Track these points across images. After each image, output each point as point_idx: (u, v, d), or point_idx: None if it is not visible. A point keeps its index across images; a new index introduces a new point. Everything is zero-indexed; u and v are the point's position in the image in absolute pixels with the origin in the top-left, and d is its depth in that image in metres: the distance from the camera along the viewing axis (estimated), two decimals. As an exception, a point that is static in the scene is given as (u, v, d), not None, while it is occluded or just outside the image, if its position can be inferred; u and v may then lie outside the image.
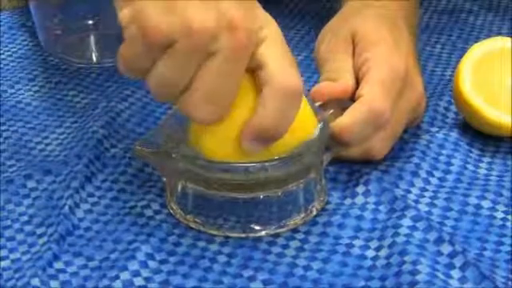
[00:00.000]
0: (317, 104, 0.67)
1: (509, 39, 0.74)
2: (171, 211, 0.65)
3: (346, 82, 0.68)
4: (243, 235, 0.62)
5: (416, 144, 0.72)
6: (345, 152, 0.67)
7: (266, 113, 0.57)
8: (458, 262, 0.59)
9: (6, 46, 0.92)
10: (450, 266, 0.58)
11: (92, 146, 0.71)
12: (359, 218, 0.64)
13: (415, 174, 0.68)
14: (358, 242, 0.62)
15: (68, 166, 0.69)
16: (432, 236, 0.61)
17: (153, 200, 0.66)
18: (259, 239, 0.62)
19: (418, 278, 0.57)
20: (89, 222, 0.64)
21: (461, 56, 0.74)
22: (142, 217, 0.64)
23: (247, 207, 0.62)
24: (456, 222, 0.64)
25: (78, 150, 0.71)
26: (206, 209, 0.63)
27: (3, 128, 0.76)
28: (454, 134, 0.73)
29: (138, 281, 0.58)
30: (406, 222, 0.62)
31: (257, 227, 0.62)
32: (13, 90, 0.83)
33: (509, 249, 0.61)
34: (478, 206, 0.65)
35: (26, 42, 0.92)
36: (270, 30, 0.58)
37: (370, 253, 0.61)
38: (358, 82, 0.68)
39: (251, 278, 0.59)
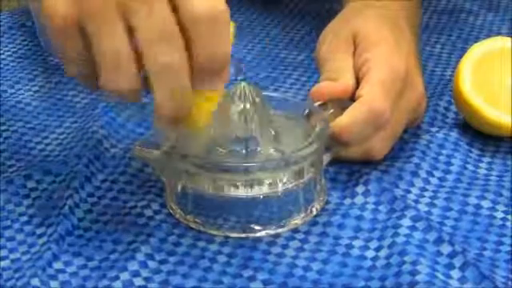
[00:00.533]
0: (317, 104, 0.67)
1: (509, 39, 0.74)
2: (171, 211, 0.65)
3: (346, 81, 0.68)
4: (243, 235, 0.62)
5: (416, 144, 0.72)
6: (345, 152, 0.67)
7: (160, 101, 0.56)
8: (457, 262, 0.59)
9: (6, 46, 0.92)
10: (450, 266, 0.58)
11: (92, 146, 0.71)
12: (359, 218, 0.64)
13: (415, 174, 0.68)
14: (357, 243, 0.62)
15: (68, 165, 0.69)
16: (432, 236, 0.61)
17: (152, 200, 0.66)
18: (259, 239, 0.62)
19: (418, 278, 0.57)
20: (88, 222, 0.64)
21: (461, 56, 0.74)
22: (141, 217, 0.64)
23: (247, 207, 0.62)
24: (456, 222, 0.64)
25: (78, 150, 0.72)
26: (206, 209, 0.63)
27: (3, 128, 0.76)
28: (454, 134, 0.73)
29: (138, 281, 0.58)
30: (406, 222, 0.62)
31: (257, 227, 0.62)
32: (13, 90, 0.83)
33: (509, 249, 0.61)
34: (478, 206, 0.65)
35: (25, 42, 0.92)
36: None
37: (370, 253, 0.61)
38: (358, 83, 0.68)
39: (251, 278, 0.59)
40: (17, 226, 0.64)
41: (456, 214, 0.65)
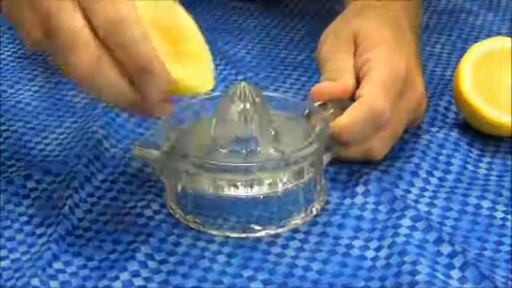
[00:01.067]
0: (317, 104, 0.67)
1: (509, 39, 0.74)
2: (171, 211, 0.65)
3: (347, 81, 0.68)
4: (243, 235, 0.62)
5: (416, 144, 0.72)
6: (345, 152, 0.67)
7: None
8: (457, 262, 0.59)
9: (6, 46, 0.92)
10: (450, 266, 0.58)
11: (92, 146, 0.71)
12: (359, 218, 0.64)
13: (415, 173, 0.68)
14: (357, 243, 0.62)
15: (68, 165, 0.69)
16: (432, 236, 0.61)
17: (152, 200, 0.66)
18: (259, 239, 0.62)
19: (418, 278, 0.57)
20: (88, 222, 0.64)
21: (461, 56, 0.74)
22: (141, 217, 0.64)
23: (247, 207, 0.62)
24: (456, 222, 0.64)
25: (78, 150, 0.71)
26: (205, 209, 0.63)
27: (3, 128, 0.76)
28: (454, 134, 0.73)
29: (138, 281, 0.58)
30: (406, 222, 0.62)
31: (257, 227, 0.62)
32: (13, 90, 0.83)
33: (509, 249, 0.61)
34: (478, 206, 0.65)
35: (25, 42, 0.92)
36: None
37: (370, 253, 0.61)
38: (359, 83, 0.68)
39: (251, 278, 0.59)
40: (17, 225, 0.64)
41: (456, 213, 0.65)
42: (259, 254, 0.61)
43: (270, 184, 0.62)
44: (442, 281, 0.57)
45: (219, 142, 0.63)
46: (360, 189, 0.66)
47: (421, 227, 0.62)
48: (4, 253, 0.61)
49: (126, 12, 0.54)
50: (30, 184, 0.68)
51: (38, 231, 0.63)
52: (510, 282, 0.58)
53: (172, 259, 0.60)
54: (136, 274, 0.59)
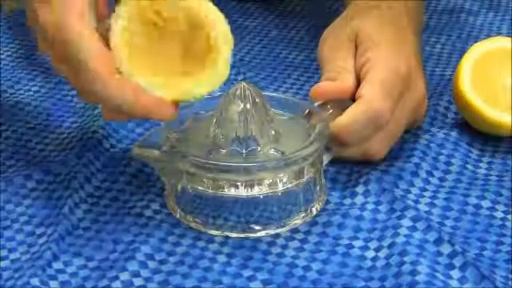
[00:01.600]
0: (316, 104, 0.67)
1: (509, 39, 0.74)
2: (171, 211, 0.65)
3: (347, 81, 0.68)
4: (243, 235, 0.62)
5: (416, 144, 0.72)
6: (344, 152, 0.67)
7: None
8: (457, 262, 0.59)
9: (6, 46, 0.92)
10: (450, 267, 0.58)
11: (92, 146, 0.71)
12: (359, 218, 0.64)
13: (415, 173, 0.68)
14: (357, 243, 0.62)
15: (68, 166, 0.69)
16: (432, 236, 0.61)
17: (152, 200, 0.66)
18: (259, 239, 0.62)
19: (418, 278, 0.57)
20: (88, 222, 0.64)
21: (461, 56, 0.74)
22: (141, 217, 0.64)
23: (247, 207, 0.62)
24: (456, 222, 0.64)
25: (78, 150, 0.71)
26: (206, 209, 0.63)
27: (3, 128, 0.76)
28: (454, 134, 0.73)
29: (138, 281, 0.58)
30: (406, 222, 0.62)
31: (257, 227, 0.62)
32: (13, 90, 0.83)
33: (508, 249, 0.61)
34: (478, 206, 0.65)
35: (25, 42, 0.92)
36: None
37: (370, 253, 0.61)
38: (359, 83, 0.68)
39: (251, 278, 0.59)
40: (16, 225, 0.64)
41: (456, 213, 0.65)
42: (259, 254, 0.61)
43: (269, 184, 0.62)
44: (441, 281, 0.57)
45: (219, 142, 0.63)
46: (360, 189, 0.66)
47: (421, 227, 0.62)
48: (4, 253, 0.61)
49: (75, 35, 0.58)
50: (30, 184, 0.68)
51: (38, 231, 0.63)
52: (509, 282, 0.58)
53: (172, 259, 0.60)
54: (136, 274, 0.59)
